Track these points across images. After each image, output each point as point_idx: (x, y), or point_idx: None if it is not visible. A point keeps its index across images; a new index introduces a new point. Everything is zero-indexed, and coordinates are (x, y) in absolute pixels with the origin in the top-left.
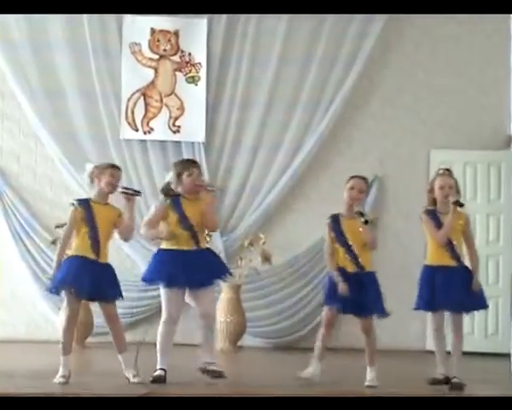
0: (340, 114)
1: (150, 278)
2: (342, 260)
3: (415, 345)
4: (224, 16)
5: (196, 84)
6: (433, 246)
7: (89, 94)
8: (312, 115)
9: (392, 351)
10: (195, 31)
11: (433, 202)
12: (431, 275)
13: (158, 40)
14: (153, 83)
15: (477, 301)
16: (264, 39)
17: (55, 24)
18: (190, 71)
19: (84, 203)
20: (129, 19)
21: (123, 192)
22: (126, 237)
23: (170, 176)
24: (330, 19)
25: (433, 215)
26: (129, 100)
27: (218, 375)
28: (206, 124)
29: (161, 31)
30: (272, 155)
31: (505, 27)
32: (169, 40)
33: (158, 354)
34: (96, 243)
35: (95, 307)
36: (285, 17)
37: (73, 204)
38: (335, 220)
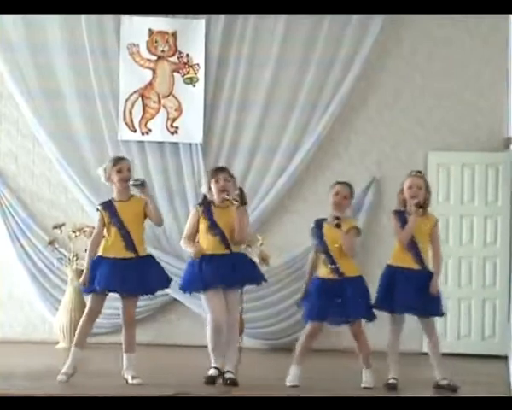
0: (338, 116)
1: (188, 288)
2: (323, 267)
3: (411, 347)
4: (222, 17)
5: (194, 86)
6: (398, 247)
7: (87, 95)
8: (310, 117)
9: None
10: (193, 32)
11: (404, 202)
12: (390, 275)
13: (156, 41)
14: (151, 84)
15: (433, 308)
16: (262, 41)
17: (52, 24)
18: (188, 72)
19: (108, 205)
20: (127, 20)
21: (133, 185)
22: (158, 224)
23: (203, 187)
24: (328, 21)
25: (401, 216)
26: (127, 101)
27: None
28: (203, 125)
29: (159, 32)
30: (270, 157)
31: (502, 29)
32: (167, 41)
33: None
34: (130, 242)
35: None
36: (283, 19)
37: (98, 209)
38: (318, 226)
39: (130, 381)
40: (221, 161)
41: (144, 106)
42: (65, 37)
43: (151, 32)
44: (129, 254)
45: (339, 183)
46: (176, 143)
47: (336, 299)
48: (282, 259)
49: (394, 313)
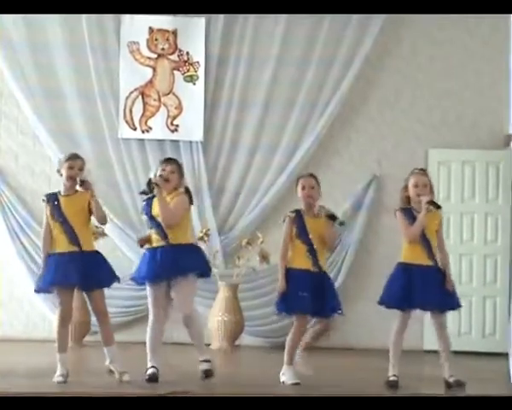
0: (338, 115)
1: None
2: (303, 258)
3: (412, 345)
4: (222, 16)
5: (194, 84)
6: (408, 244)
7: (87, 93)
8: (310, 116)
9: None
10: (194, 30)
11: (407, 200)
12: (406, 273)
13: (156, 39)
14: (151, 82)
15: (452, 301)
16: (262, 40)
17: (53, 23)
18: (188, 70)
19: (52, 198)
20: (127, 18)
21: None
22: (101, 221)
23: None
24: (328, 21)
25: (408, 213)
26: (127, 99)
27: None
28: (204, 123)
29: (159, 30)
30: (270, 155)
31: (502, 28)
32: (167, 39)
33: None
34: (73, 236)
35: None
36: (283, 18)
37: (43, 200)
38: (299, 216)
39: (117, 376)
40: (221, 159)
41: (144, 104)
42: (65, 35)
43: (151, 30)
44: (73, 249)
45: (302, 177)
46: (176, 141)
47: (316, 292)
48: None
49: (405, 311)
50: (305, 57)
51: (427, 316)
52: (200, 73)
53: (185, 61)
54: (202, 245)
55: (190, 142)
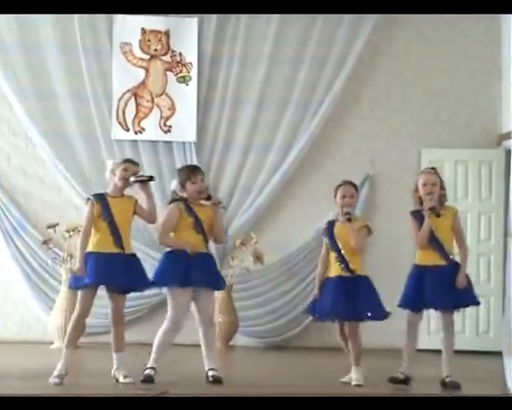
0: (331, 114)
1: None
2: (334, 265)
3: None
4: (215, 16)
5: (187, 84)
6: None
7: (79, 94)
8: (303, 115)
9: (389, 350)
10: (186, 31)
11: (419, 201)
12: (418, 275)
13: (149, 40)
14: (144, 83)
15: (467, 298)
16: (254, 39)
17: (45, 24)
18: (181, 71)
19: (101, 198)
20: (119, 19)
21: (136, 181)
22: (151, 222)
23: (174, 184)
24: (320, 20)
25: (418, 216)
26: (120, 100)
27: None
28: (197, 124)
29: (152, 31)
30: (263, 155)
31: (495, 27)
32: (160, 40)
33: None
34: (118, 238)
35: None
36: (276, 18)
37: (89, 199)
38: (330, 226)
39: (121, 380)
40: (214, 159)
41: (137, 105)
42: (57, 36)
43: (144, 30)
44: (116, 250)
45: (345, 183)
46: (169, 142)
47: (348, 296)
48: (276, 257)
49: (419, 312)
50: (298, 57)
51: (408, 315)
52: (193, 73)
53: (178, 62)
54: None
55: (183, 142)
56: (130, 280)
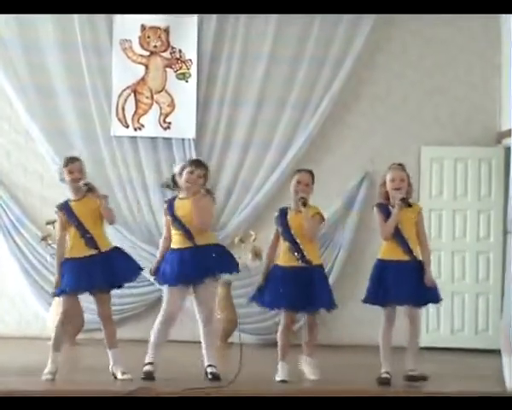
0: (330, 112)
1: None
2: (286, 254)
3: (403, 342)
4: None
5: (187, 81)
6: (385, 241)
7: (79, 91)
8: (302, 113)
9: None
10: (186, 27)
11: (386, 195)
12: (381, 269)
13: (148, 37)
14: (143, 79)
15: (429, 295)
16: (254, 37)
17: (45, 22)
18: (181, 67)
19: (64, 206)
20: (119, 16)
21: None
22: (110, 222)
23: (177, 169)
24: (320, 19)
25: (384, 209)
26: (119, 96)
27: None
28: (196, 121)
29: (152, 27)
30: (263, 153)
31: (494, 25)
32: (159, 37)
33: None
34: (90, 239)
35: (87, 304)
36: (275, 17)
37: (55, 211)
38: (283, 214)
39: (119, 376)
40: (214, 156)
41: (137, 101)
42: (57, 33)
43: (143, 27)
44: (91, 252)
45: (299, 171)
46: (169, 139)
47: (302, 287)
48: None
49: (387, 307)
50: (297, 56)
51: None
52: (193, 70)
53: (177, 59)
54: None
55: (183, 139)
56: (113, 277)
